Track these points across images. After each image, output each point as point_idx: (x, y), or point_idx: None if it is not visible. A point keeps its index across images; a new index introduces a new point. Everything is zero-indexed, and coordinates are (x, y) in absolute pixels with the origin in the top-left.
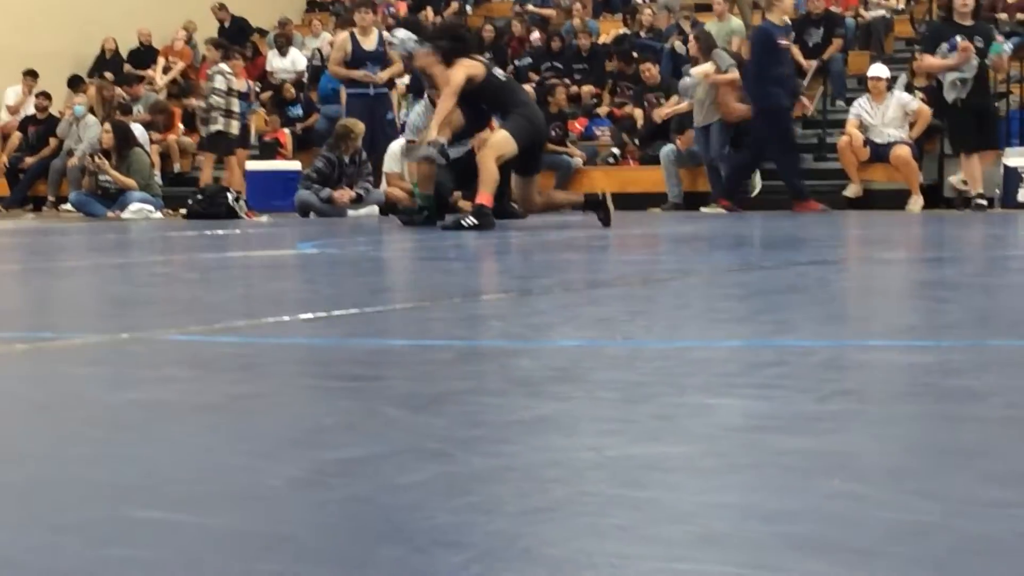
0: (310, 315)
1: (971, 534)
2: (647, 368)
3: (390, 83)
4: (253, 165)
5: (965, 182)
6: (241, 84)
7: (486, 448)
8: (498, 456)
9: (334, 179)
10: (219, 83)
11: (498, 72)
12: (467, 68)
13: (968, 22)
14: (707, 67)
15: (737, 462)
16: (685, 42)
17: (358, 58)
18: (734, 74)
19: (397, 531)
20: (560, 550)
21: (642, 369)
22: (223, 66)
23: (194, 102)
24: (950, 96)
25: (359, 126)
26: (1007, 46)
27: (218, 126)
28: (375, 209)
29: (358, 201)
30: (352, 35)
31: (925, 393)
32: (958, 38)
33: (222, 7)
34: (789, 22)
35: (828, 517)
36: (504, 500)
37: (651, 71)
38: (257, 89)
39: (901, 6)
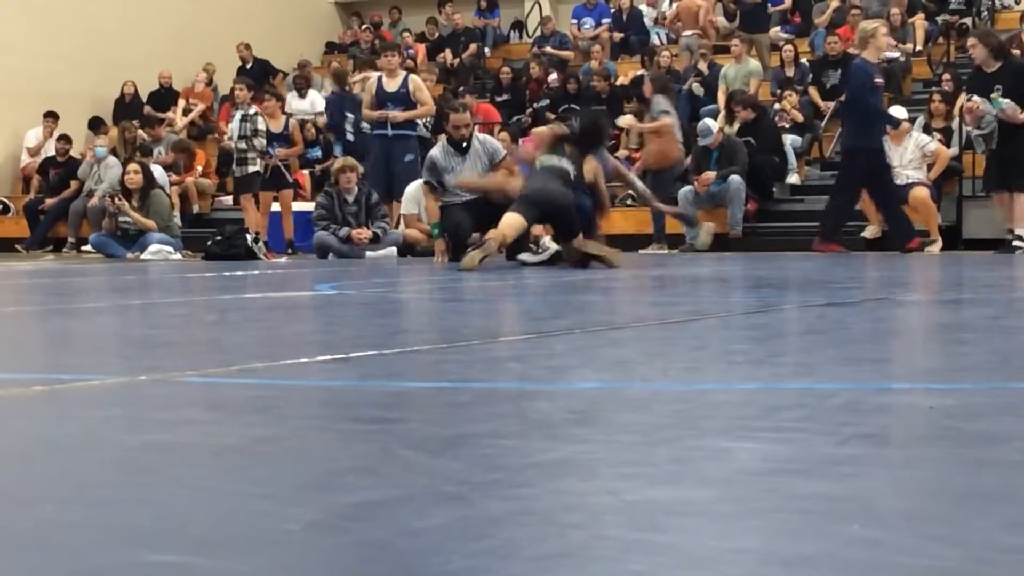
0: (328, 357)
1: None
2: (665, 411)
3: (412, 125)
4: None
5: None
6: (277, 124)
7: (503, 491)
8: (515, 500)
9: (339, 217)
10: (261, 124)
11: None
12: None
13: (992, 68)
14: (628, 119)
15: (755, 507)
16: (703, 84)
17: (380, 99)
18: (663, 121)
19: (413, 575)
20: None
21: (660, 412)
22: (255, 107)
23: (227, 143)
24: (979, 150)
25: (349, 160)
26: (1003, 100)
27: (256, 167)
28: (393, 250)
29: (375, 241)
30: (379, 78)
31: (945, 436)
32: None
33: (247, 46)
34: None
35: (847, 563)
36: (521, 544)
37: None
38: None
39: (919, 47)
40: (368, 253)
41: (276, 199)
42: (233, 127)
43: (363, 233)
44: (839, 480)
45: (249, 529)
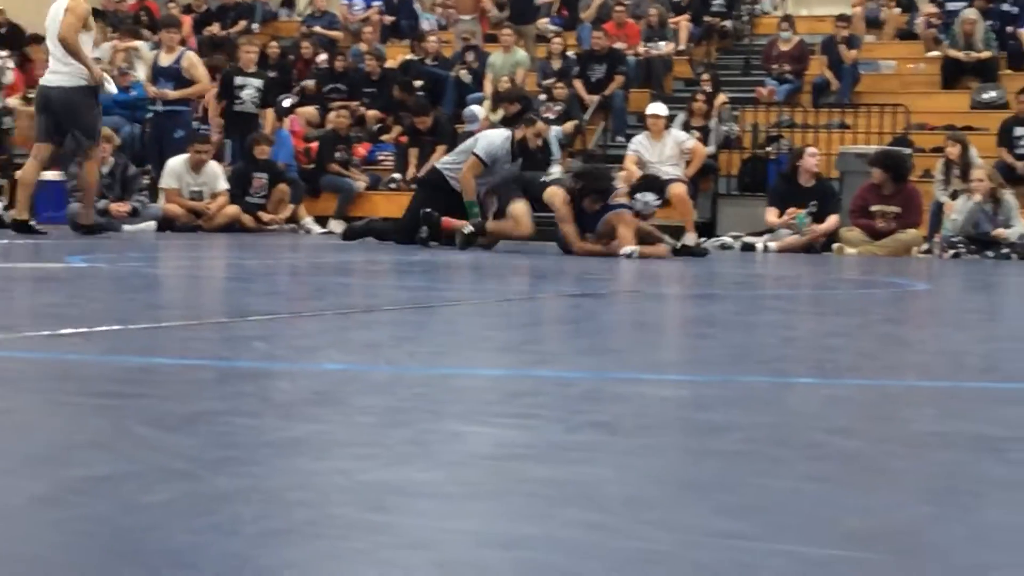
0: (71, 330)
1: (697, 563)
2: (406, 394)
3: (184, 101)
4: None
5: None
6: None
7: (234, 469)
8: (245, 477)
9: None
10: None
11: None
12: None
13: (810, 183)
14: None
15: (481, 489)
16: (470, 71)
17: (155, 74)
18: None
19: (133, 551)
20: (295, 572)
21: (401, 395)
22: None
23: None
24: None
25: (104, 131)
26: (807, 218)
27: None
28: (152, 225)
29: (134, 215)
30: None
31: (673, 426)
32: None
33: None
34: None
35: (562, 544)
36: (245, 521)
37: (425, 122)
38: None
39: (682, 47)
40: (126, 227)
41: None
42: None
43: (122, 207)
44: (567, 465)
45: None
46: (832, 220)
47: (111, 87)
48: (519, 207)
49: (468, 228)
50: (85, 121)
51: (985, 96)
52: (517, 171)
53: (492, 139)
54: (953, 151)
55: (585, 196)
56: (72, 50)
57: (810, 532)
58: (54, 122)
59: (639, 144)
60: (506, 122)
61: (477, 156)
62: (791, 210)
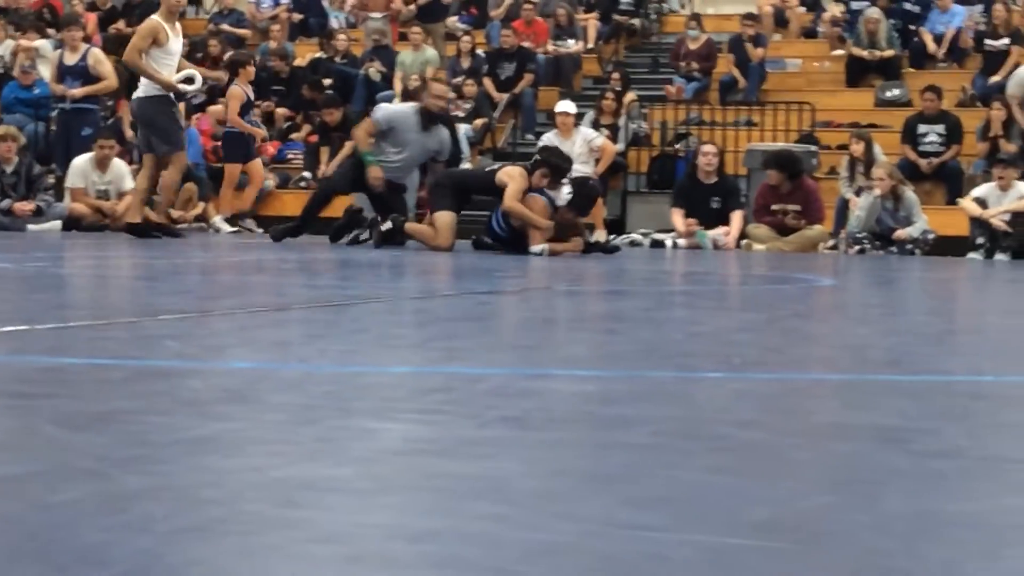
0: None
1: (603, 554)
2: (317, 391)
3: (92, 99)
4: None
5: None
6: None
7: (144, 467)
8: (155, 475)
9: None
10: None
11: None
12: None
13: (711, 180)
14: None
15: (392, 484)
16: (379, 70)
17: (61, 72)
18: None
19: (41, 550)
20: (206, 568)
21: (312, 392)
22: None
23: None
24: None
25: (11, 130)
26: (706, 236)
27: None
28: (58, 224)
29: (39, 215)
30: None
31: (581, 420)
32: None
33: None
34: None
35: (470, 537)
36: (156, 519)
37: (334, 115)
38: None
39: (591, 45)
40: (30, 227)
41: None
42: None
43: (26, 206)
44: (476, 460)
45: None
46: (736, 221)
47: (190, 86)
48: (444, 218)
49: (387, 225)
50: (158, 129)
51: (889, 94)
52: (459, 172)
53: (393, 107)
54: (857, 148)
55: (539, 168)
56: (137, 70)
57: (715, 522)
58: (143, 132)
59: (548, 142)
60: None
61: (373, 118)
62: (690, 221)
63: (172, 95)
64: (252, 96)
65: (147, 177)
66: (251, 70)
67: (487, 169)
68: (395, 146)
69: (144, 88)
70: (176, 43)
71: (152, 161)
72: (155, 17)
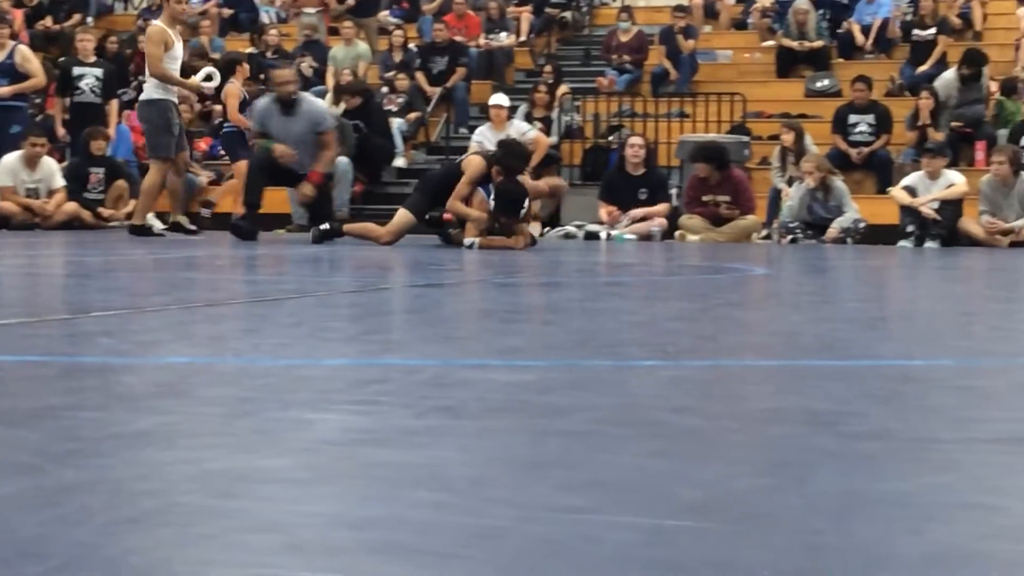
0: None
1: (540, 537)
2: (253, 384)
3: (21, 96)
4: None
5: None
6: None
7: (79, 462)
8: (90, 469)
9: None
10: None
11: None
12: None
13: (639, 171)
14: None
15: (329, 474)
16: (311, 65)
17: None
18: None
19: None
20: (143, 558)
21: (248, 385)
22: None
23: None
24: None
25: None
26: (625, 236)
27: None
28: None
29: None
30: None
31: (518, 409)
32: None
33: None
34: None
35: (409, 524)
36: (92, 512)
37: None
38: None
39: (523, 38)
40: None
41: None
42: None
43: None
44: (414, 449)
45: None
46: (661, 208)
47: (210, 83)
48: (398, 216)
49: (325, 225)
50: (151, 133)
51: (818, 84)
52: (433, 174)
53: (257, 105)
54: (788, 138)
55: (495, 164)
56: (165, 80)
57: (650, 505)
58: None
59: (482, 135)
60: (348, 115)
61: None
62: (612, 209)
63: (175, 100)
64: (247, 94)
65: (171, 177)
66: (246, 67)
67: (456, 161)
68: (276, 138)
69: (148, 92)
70: (179, 47)
71: (180, 159)
72: (158, 23)
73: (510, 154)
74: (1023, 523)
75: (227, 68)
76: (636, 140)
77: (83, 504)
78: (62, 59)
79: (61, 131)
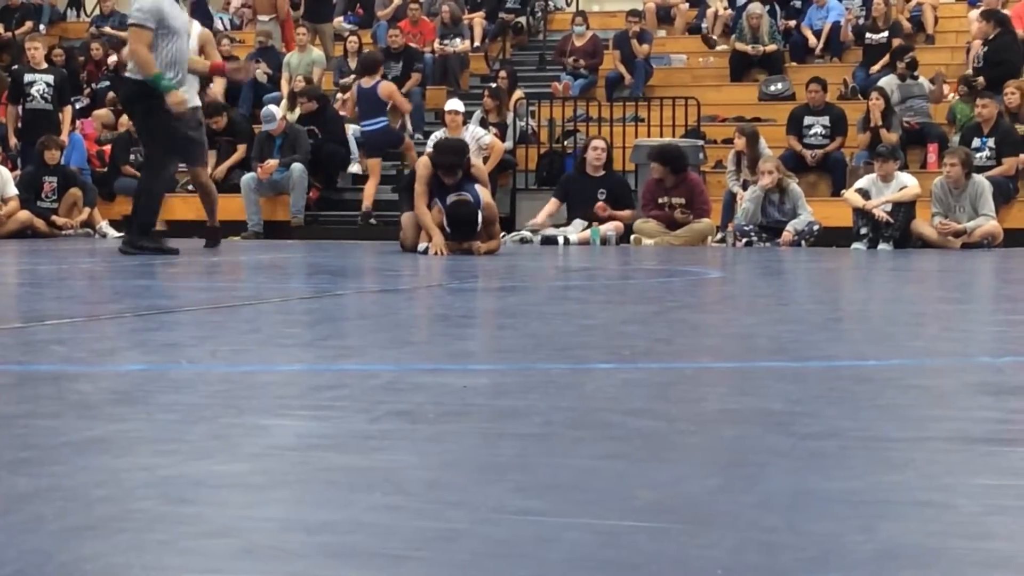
0: None
1: (495, 539)
2: (208, 391)
3: None
4: None
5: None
6: None
7: (33, 469)
8: (45, 477)
9: None
10: None
11: None
12: None
13: (599, 174)
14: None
15: (285, 479)
16: (265, 71)
17: None
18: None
19: None
20: (97, 564)
21: (203, 392)
22: None
23: None
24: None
25: None
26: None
27: None
28: None
29: None
30: None
31: (473, 413)
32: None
33: None
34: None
35: (365, 527)
36: (46, 519)
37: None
38: None
39: (477, 44)
40: None
41: None
42: None
43: None
44: (369, 454)
45: None
46: (627, 214)
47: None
48: (403, 219)
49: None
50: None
51: (772, 88)
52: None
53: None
54: (740, 142)
55: (433, 165)
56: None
57: (605, 506)
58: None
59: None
60: (303, 121)
61: (138, 25)
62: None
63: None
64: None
65: (203, 184)
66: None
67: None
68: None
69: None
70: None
71: (195, 171)
72: None
73: (441, 151)
74: (974, 520)
75: None
76: (599, 143)
77: (37, 512)
78: (14, 67)
79: (13, 140)
